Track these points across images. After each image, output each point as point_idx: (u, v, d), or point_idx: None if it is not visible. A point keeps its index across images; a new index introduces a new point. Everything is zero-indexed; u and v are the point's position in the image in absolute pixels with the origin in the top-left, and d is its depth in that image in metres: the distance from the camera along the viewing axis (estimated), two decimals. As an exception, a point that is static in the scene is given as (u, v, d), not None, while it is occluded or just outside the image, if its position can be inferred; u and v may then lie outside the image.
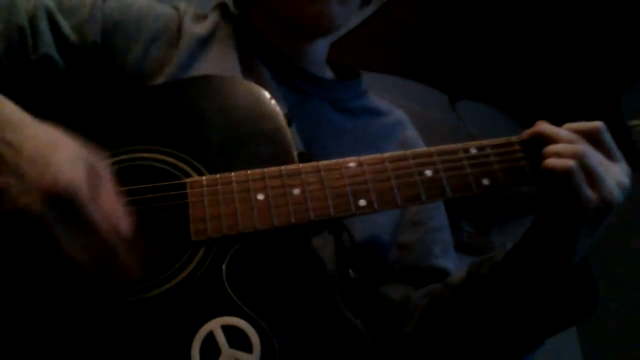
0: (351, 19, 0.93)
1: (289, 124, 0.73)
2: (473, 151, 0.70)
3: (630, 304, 2.81)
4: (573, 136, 0.68)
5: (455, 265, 0.91)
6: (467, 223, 3.02)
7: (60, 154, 0.56)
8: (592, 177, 0.65)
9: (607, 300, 2.75)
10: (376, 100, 1.01)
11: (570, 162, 0.64)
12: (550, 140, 0.68)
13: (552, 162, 0.65)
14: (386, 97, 1.05)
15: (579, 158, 0.65)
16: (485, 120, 3.28)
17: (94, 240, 0.55)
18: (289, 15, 0.85)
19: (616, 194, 0.66)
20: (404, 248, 0.90)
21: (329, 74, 0.98)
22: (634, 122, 0.73)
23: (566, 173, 0.64)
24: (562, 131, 0.69)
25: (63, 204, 0.54)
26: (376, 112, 0.98)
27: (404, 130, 0.99)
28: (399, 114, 1.02)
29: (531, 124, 0.71)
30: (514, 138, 0.71)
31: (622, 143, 0.70)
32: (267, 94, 0.74)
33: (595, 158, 0.66)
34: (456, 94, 3.19)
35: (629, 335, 2.79)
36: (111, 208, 0.58)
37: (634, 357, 2.72)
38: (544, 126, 0.70)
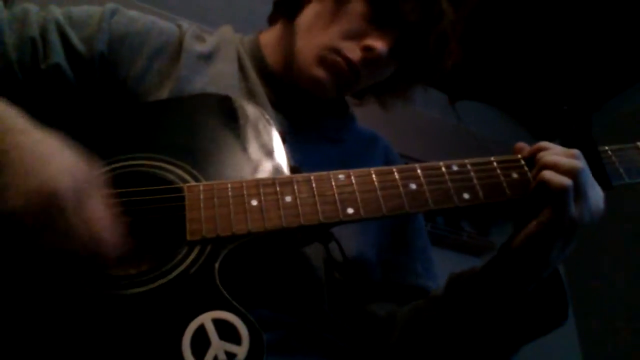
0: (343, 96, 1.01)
1: (283, 142, 0.77)
2: (454, 168, 0.74)
3: (630, 303, 2.82)
4: (569, 151, 0.72)
5: (437, 283, 0.94)
6: (467, 223, 3.02)
7: (54, 164, 0.59)
8: (579, 195, 0.69)
9: (607, 300, 2.68)
10: (362, 127, 1.06)
11: (566, 180, 0.68)
12: (546, 149, 0.72)
13: (548, 175, 0.69)
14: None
15: (576, 174, 0.68)
16: (485, 120, 3.31)
17: (73, 245, 0.58)
18: (299, 63, 0.90)
19: (594, 217, 0.70)
20: (388, 267, 0.93)
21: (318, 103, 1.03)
22: (601, 148, 0.79)
23: (561, 189, 0.67)
24: (557, 146, 0.73)
25: (44, 209, 0.57)
26: (362, 140, 1.03)
27: (388, 154, 1.04)
28: (383, 140, 1.07)
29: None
30: (493, 158, 0.76)
31: (594, 165, 0.75)
32: (265, 113, 0.79)
33: (588, 178, 0.70)
34: (456, 94, 3.19)
35: (629, 336, 2.77)
36: (97, 217, 0.60)
37: (633, 356, 2.69)
38: (542, 142, 0.74)
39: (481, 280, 0.77)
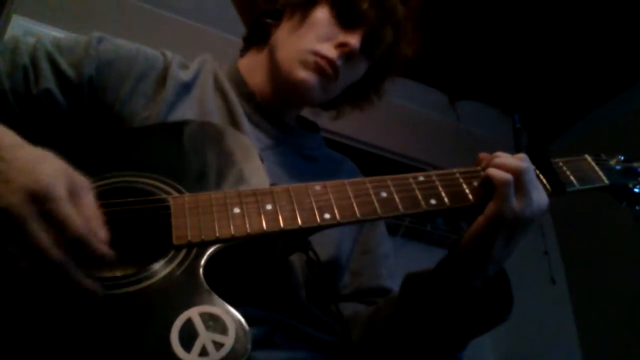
0: (324, 102, 1.09)
1: (262, 161, 0.85)
2: (421, 178, 0.82)
3: (630, 302, 2.86)
4: (516, 155, 0.80)
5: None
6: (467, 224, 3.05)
7: (45, 166, 0.63)
8: (521, 190, 0.77)
9: (607, 299, 2.70)
10: (330, 150, 1.16)
11: (507, 175, 0.77)
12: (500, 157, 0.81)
13: (492, 171, 0.78)
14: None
15: (519, 173, 0.77)
16: (485, 120, 3.38)
17: (67, 235, 0.60)
18: (283, 72, 0.99)
19: (536, 213, 0.78)
20: (354, 273, 1.02)
21: (295, 123, 1.12)
22: (553, 160, 0.87)
23: (502, 183, 0.76)
24: (510, 155, 0.82)
25: (41, 200, 0.59)
26: (332, 160, 1.13)
27: (356, 176, 1.13)
28: (349, 162, 1.17)
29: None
30: (456, 169, 0.84)
31: (547, 173, 0.83)
32: (243, 135, 0.87)
33: (531, 176, 0.78)
34: (456, 94, 3.26)
35: (629, 335, 2.81)
36: (90, 210, 0.63)
37: (633, 356, 2.73)
38: (497, 153, 0.83)
39: (433, 276, 0.84)
